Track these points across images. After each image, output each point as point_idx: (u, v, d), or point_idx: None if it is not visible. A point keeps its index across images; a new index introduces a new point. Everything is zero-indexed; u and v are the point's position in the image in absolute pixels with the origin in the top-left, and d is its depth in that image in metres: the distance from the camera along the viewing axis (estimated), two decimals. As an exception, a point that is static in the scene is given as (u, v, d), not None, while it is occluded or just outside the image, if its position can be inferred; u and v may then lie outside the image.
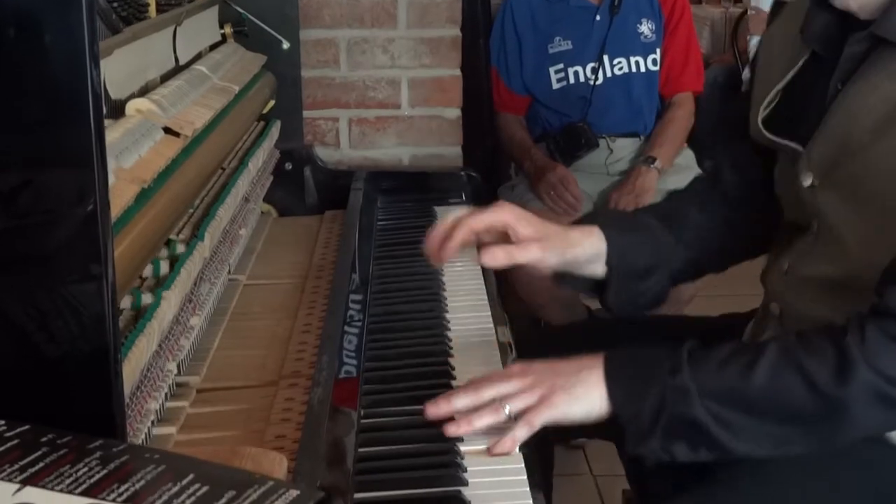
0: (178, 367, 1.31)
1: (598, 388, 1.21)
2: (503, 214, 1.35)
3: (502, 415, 1.21)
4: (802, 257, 1.35)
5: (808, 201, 1.31)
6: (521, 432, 1.19)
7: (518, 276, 2.58)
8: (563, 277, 1.44)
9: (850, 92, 1.26)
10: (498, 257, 1.33)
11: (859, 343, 1.14)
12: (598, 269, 1.40)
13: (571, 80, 2.91)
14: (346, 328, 1.44)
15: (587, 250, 1.39)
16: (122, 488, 0.66)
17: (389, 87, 2.36)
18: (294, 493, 0.65)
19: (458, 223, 1.34)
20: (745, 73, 3.47)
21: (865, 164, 1.23)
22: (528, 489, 1.13)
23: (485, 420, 1.20)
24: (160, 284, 1.26)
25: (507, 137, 2.97)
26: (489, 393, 1.23)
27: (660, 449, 1.19)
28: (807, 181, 1.30)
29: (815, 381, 1.14)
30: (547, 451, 1.77)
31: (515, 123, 2.97)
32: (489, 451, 1.19)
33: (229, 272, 1.66)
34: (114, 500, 0.65)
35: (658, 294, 1.47)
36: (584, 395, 1.21)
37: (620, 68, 2.92)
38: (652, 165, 2.79)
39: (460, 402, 1.23)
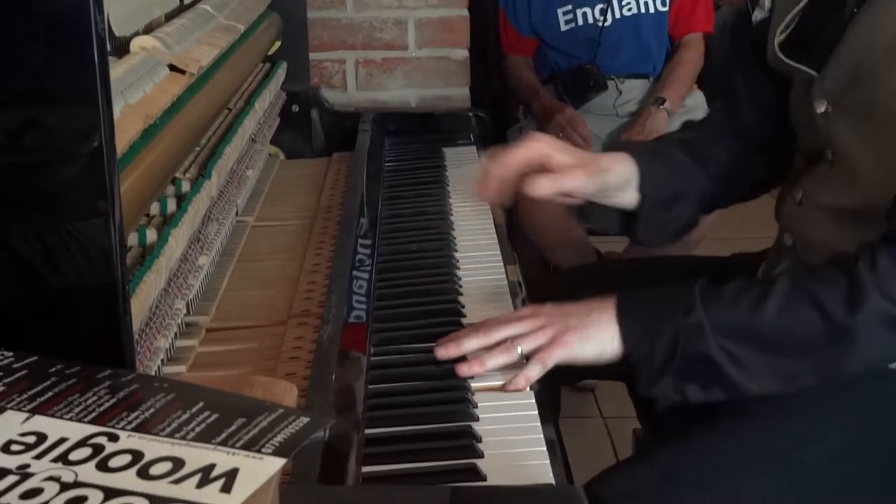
0: (188, 306, 1.31)
1: (610, 328, 1.20)
2: (539, 145, 1.34)
3: (514, 354, 1.20)
4: (816, 186, 1.34)
5: (822, 128, 1.30)
6: (534, 370, 1.19)
7: (528, 218, 2.58)
8: (587, 215, 1.43)
9: (865, 15, 1.25)
10: (543, 186, 1.31)
11: (870, 270, 1.13)
12: (628, 196, 1.40)
13: (580, 22, 2.89)
14: (355, 270, 1.43)
15: (620, 175, 1.38)
16: (132, 416, 0.66)
17: (396, 28, 2.34)
18: (304, 419, 0.64)
19: (495, 160, 1.34)
20: (756, 15, 3.41)
21: (879, 89, 1.22)
22: (538, 424, 1.13)
23: (497, 360, 1.20)
24: (168, 222, 1.25)
25: (515, 79, 2.95)
26: (499, 334, 1.22)
27: (672, 389, 1.19)
28: (820, 108, 1.29)
29: (826, 309, 1.14)
30: (554, 392, 1.77)
31: (523, 65, 2.95)
32: (502, 389, 1.18)
33: (237, 214, 1.66)
34: (123, 428, 0.65)
35: (687, 221, 1.46)
36: (595, 336, 1.20)
37: (630, 9, 2.89)
38: (662, 106, 2.77)
39: (470, 343, 1.22)
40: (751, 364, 1.17)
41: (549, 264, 2.84)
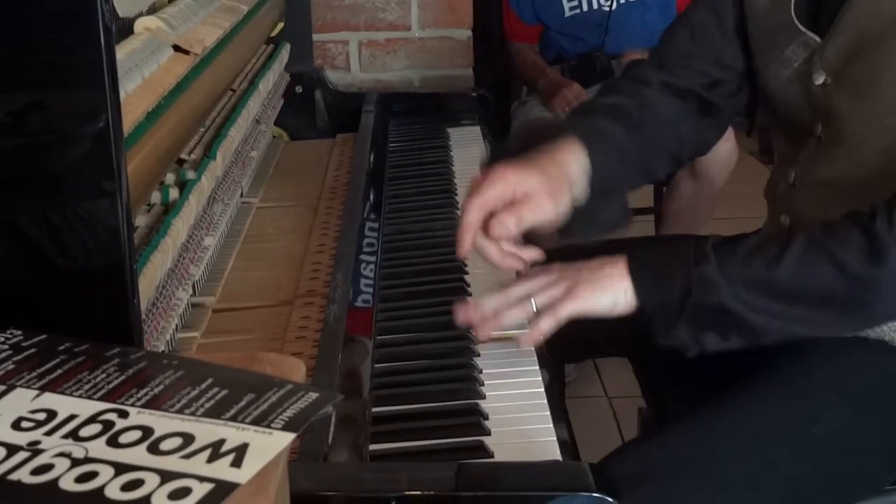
0: (194, 287, 1.32)
1: (622, 280, 1.20)
2: (501, 181, 1.25)
3: (529, 309, 1.20)
4: (809, 166, 1.34)
5: (819, 100, 1.29)
6: (547, 323, 1.18)
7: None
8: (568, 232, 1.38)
9: None
10: (508, 225, 1.23)
11: (888, 228, 1.13)
12: (578, 192, 1.31)
13: (584, 8, 2.88)
14: (361, 250, 1.43)
15: (577, 171, 1.31)
16: (141, 393, 0.66)
17: (399, 9, 2.34)
18: (313, 395, 0.65)
19: (466, 211, 1.25)
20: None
21: (882, 59, 1.21)
22: (545, 401, 1.13)
23: (512, 316, 1.20)
24: (172, 205, 1.26)
25: (521, 63, 2.95)
26: (515, 292, 1.22)
27: (689, 338, 1.18)
28: (819, 79, 1.28)
29: (846, 266, 1.13)
30: (558, 369, 1.77)
31: (528, 50, 2.95)
32: (517, 340, 1.19)
33: (242, 195, 1.66)
34: (133, 405, 0.65)
35: (618, 218, 1.43)
36: (609, 287, 1.20)
37: None
38: None
39: (488, 304, 1.22)
40: (770, 310, 1.16)
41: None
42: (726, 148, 2.67)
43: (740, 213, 2.75)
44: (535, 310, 1.20)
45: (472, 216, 1.24)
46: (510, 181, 1.25)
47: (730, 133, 2.68)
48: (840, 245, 1.15)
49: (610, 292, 1.20)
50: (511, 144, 1.50)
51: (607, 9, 2.86)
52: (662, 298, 1.18)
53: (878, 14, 1.23)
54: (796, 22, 1.32)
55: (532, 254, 1.28)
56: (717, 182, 2.73)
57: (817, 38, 1.29)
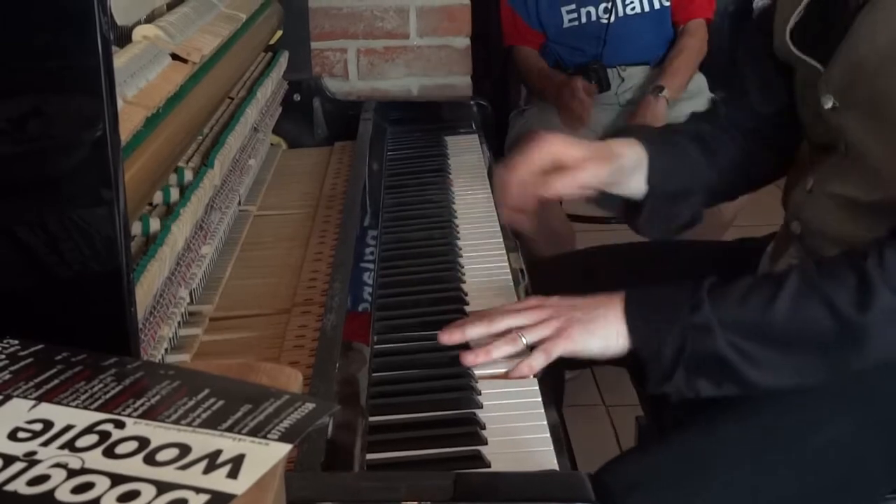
0: (191, 295, 1.32)
1: (616, 324, 1.20)
2: (550, 144, 1.35)
3: (520, 344, 1.20)
4: (829, 176, 1.34)
5: (830, 123, 1.30)
6: (538, 360, 1.19)
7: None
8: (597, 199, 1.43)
9: (870, 9, 1.24)
10: (563, 184, 1.33)
11: (878, 267, 1.13)
12: (636, 183, 1.40)
13: (583, 20, 2.89)
14: (358, 257, 1.43)
15: (632, 159, 1.38)
16: (138, 403, 0.66)
17: (397, 17, 2.34)
18: (310, 405, 0.65)
19: (510, 167, 1.34)
20: (758, 1, 3.42)
21: (886, 83, 1.22)
22: (542, 411, 1.13)
23: (502, 350, 1.20)
24: (171, 211, 1.25)
25: (526, 69, 2.94)
26: (504, 324, 1.22)
27: (684, 386, 1.18)
28: (827, 103, 1.29)
29: (837, 307, 1.14)
30: (557, 379, 1.77)
31: (533, 55, 2.94)
32: (506, 376, 1.19)
33: (240, 203, 1.66)
34: (129, 415, 0.65)
35: (690, 218, 1.46)
36: (601, 331, 1.20)
37: (633, 8, 2.89)
38: (660, 94, 2.76)
39: (474, 331, 1.22)
40: (761, 359, 1.17)
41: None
42: None
43: (744, 221, 2.75)
44: (525, 344, 1.20)
45: (519, 172, 1.33)
46: (556, 145, 1.33)
47: None
48: (832, 285, 1.15)
49: (602, 335, 1.20)
50: None
51: (606, 21, 2.87)
52: (657, 348, 1.18)
53: (877, 42, 1.23)
54: (791, 48, 1.33)
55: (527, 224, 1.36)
56: (727, 215, 2.73)
57: (817, 65, 1.30)
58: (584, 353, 1.21)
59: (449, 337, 1.22)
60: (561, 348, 1.19)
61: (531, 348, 1.20)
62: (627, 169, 1.38)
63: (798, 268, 1.21)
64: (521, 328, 1.21)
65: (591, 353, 1.21)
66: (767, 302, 1.16)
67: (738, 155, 1.48)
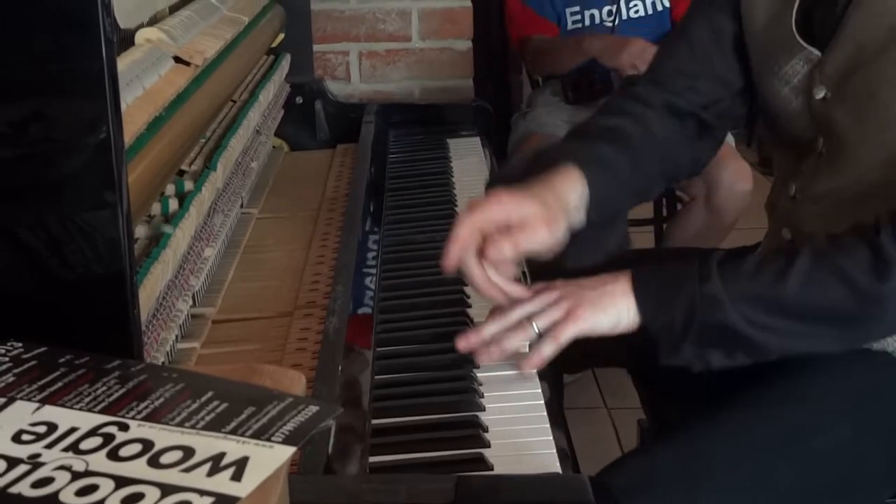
0: (193, 298, 1.32)
1: (625, 299, 1.20)
2: (497, 205, 1.24)
3: (531, 332, 1.20)
4: (809, 180, 1.34)
5: (820, 114, 1.29)
6: (548, 348, 1.18)
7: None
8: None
9: None
10: (503, 249, 1.22)
11: (893, 240, 1.13)
12: (576, 219, 1.30)
13: (587, 22, 2.89)
14: (361, 260, 1.43)
15: (574, 201, 1.30)
16: (142, 406, 0.66)
17: (399, 20, 2.34)
18: (314, 408, 0.65)
19: (457, 231, 1.24)
20: None
21: (880, 72, 1.21)
22: (545, 413, 1.13)
23: (514, 341, 1.20)
24: (173, 215, 1.26)
25: (545, 53, 2.89)
26: (516, 315, 1.22)
27: (694, 357, 1.18)
28: (819, 93, 1.28)
29: (852, 279, 1.13)
30: (557, 381, 1.77)
31: (551, 40, 2.90)
32: (518, 368, 1.19)
33: (242, 206, 1.66)
34: (133, 418, 0.65)
35: (618, 243, 1.44)
36: (611, 307, 1.20)
37: (636, 11, 2.89)
38: None
39: (489, 329, 1.22)
40: (775, 327, 1.16)
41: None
42: (744, 189, 2.70)
43: (739, 225, 2.76)
44: (536, 332, 1.20)
45: (463, 230, 1.23)
46: (507, 206, 1.24)
47: (748, 174, 2.71)
48: (845, 258, 1.15)
49: (612, 311, 1.19)
50: (511, 171, 1.50)
51: (610, 24, 2.87)
52: (667, 319, 1.17)
53: (873, 30, 1.23)
54: (797, 36, 1.32)
55: (517, 290, 1.25)
56: (729, 219, 2.74)
57: (817, 53, 1.29)
58: (595, 332, 1.20)
59: (466, 342, 1.21)
60: (571, 331, 1.19)
61: (543, 335, 1.19)
62: (573, 212, 1.30)
63: (808, 243, 1.20)
64: (532, 315, 1.21)
65: (601, 331, 1.20)
66: (778, 275, 1.16)
67: (664, 147, 1.43)
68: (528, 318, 1.20)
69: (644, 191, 1.47)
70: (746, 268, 1.18)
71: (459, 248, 1.22)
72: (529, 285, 1.30)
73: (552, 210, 1.26)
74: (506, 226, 1.23)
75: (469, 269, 1.24)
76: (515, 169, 1.43)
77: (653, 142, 1.42)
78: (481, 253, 1.23)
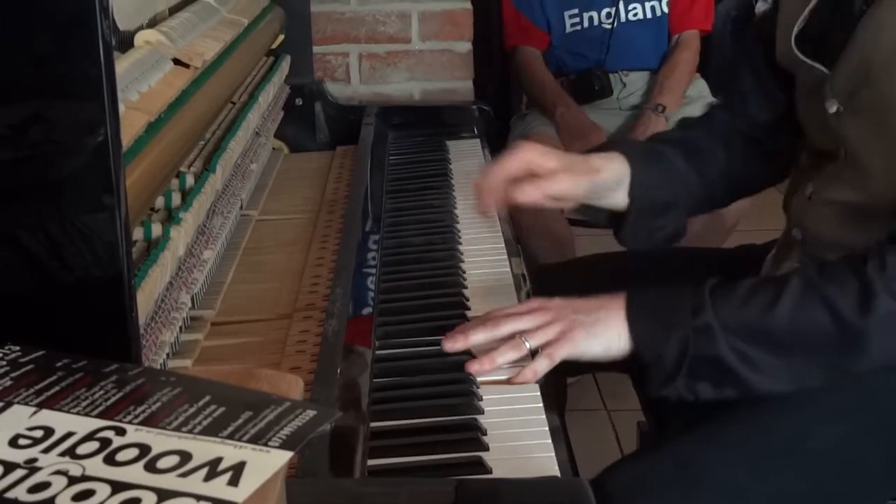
0: (193, 300, 1.31)
1: (617, 327, 1.20)
2: (525, 153, 1.34)
3: (524, 349, 1.20)
4: (827, 182, 1.34)
5: (833, 128, 1.30)
6: (542, 365, 1.19)
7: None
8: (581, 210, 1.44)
9: (873, 12, 1.24)
10: (528, 192, 1.31)
11: (880, 271, 1.13)
12: (619, 197, 1.39)
13: (585, 24, 2.89)
14: (360, 262, 1.43)
15: (611, 175, 1.37)
16: (139, 410, 0.66)
17: (399, 21, 2.34)
18: (311, 412, 0.65)
19: (486, 174, 1.35)
20: (759, 7, 3.42)
21: (891, 85, 1.21)
22: (543, 416, 1.13)
23: (506, 356, 1.20)
24: (172, 216, 1.25)
25: (528, 75, 2.92)
26: (507, 328, 1.22)
27: (684, 389, 1.19)
28: (832, 108, 1.29)
29: (838, 311, 1.14)
30: (560, 385, 1.77)
31: (537, 61, 2.92)
32: (510, 381, 1.18)
33: (241, 207, 1.66)
34: (130, 422, 0.65)
35: (675, 231, 1.45)
36: (603, 334, 1.20)
37: (635, 14, 2.89)
38: (661, 114, 2.77)
39: (477, 336, 1.22)
40: (762, 363, 1.17)
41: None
42: None
43: (740, 226, 2.76)
44: (528, 349, 1.20)
45: (492, 178, 1.33)
46: (532, 155, 1.33)
47: None
48: (833, 289, 1.15)
49: (604, 338, 1.20)
50: None
51: (608, 26, 2.87)
52: (659, 352, 1.18)
53: (880, 46, 1.23)
54: (797, 53, 1.33)
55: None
56: (730, 221, 2.74)
57: (823, 69, 1.30)
58: (586, 356, 1.21)
59: (452, 344, 1.22)
60: (564, 352, 1.19)
61: (534, 353, 1.20)
62: (605, 185, 1.37)
63: (800, 271, 1.21)
64: (524, 332, 1.21)
65: (593, 356, 1.21)
66: (769, 305, 1.16)
67: (731, 162, 1.47)
68: (520, 335, 1.21)
69: (711, 196, 1.50)
70: (738, 297, 1.19)
71: (489, 193, 1.33)
72: (525, 300, 1.32)
73: (576, 168, 1.35)
74: (530, 174, 1.33)
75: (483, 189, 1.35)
76: None
77: (716, 150, 1.47)
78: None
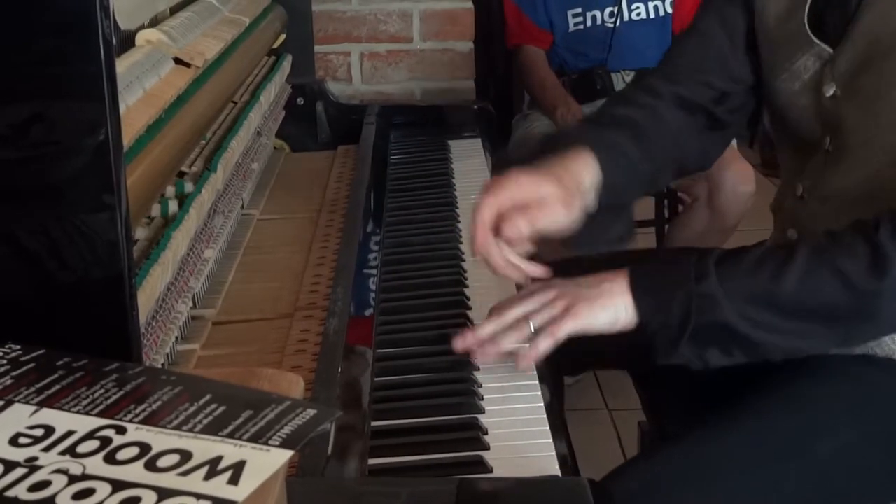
0: (194, 300, 1.31)
1: (622, 297, 1.19)
2: (514, 184, 1.26)
3: (527, 330, 1.20)
4: (817, 179, 1.33)
5: (828, 112, 1.29)
6: (544, 343, 1.18)
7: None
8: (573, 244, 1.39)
9: None
10: (520, 226, 1.23)
11: (891, 237, 1.12)
12: (589, 199, 1.31)
13: (588, 23, 2.89)
14: (361, 261, 1.43)
15: (588, 183, 1.31)
16: (139, 409, 0.66)
17: (401, 21, 2.34)
18: (311, 412, 0.65)
19: (478, 212, 1.26)
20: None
21: (890, 72, 1.21)
22: (544, 416, 1.13)
23: (510, 339, 1.20)
24: (173, 217, 1.25)
25: (529, 74, 2.92)
26: (513, 314, 1.22)
27: (692, 355, 1.18)
28: (829, 91, 1.28)
29: (849, 277, 1.13)
30: (557, 383, 1.76)
31: (539, 60, 2.92)
32: (516, 366, 1.18)
33: (242, 207, 1.66)
34: (131, 421, 0.65)
35: (622, 233, 1.44)
36: (608, 305, 1.19)
37: (638, 13, 2.89)
38: None
39: (486, 329, 1.22)
40: (773, 325, 1.16)
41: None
42: (746, 190, 2.70)
43: (742, 226, 2.76)
44: (532, 330, 1.20)
45: (485, 214, 1.24)
46: (524, 185, 1.25)
47: (750, 176, 2.71)
48: (844, 256, 1.14)
49: (610, 309, 1.19)
50: (520, 153, 1.51)
51: (611, 25, 2.87)
52: (664, 318, 1.17)
53: (885, 27, 1.22)
54: (809, 33, 1.31)
55: (535, 269, 1.26)
56: (731, 221, 2.74)
57: (829, 50, 1.28)
58: (591, 329, 1.19)
59: (462, 342, 1.21)
60: (568, 327, 1.18)
61: (539, 333, 1.19)
62: (587, 194, 1.31)
63: (808, 240, 1.20)
64: (529, 314, 1.21)
65: (599, 328, 1.19)
66: (777, 272, 1.15)
67: (674, 138, 1.43)
68: (525, 317, 1.20)
69: (653, 181, 1.47)
70: (745, 265, 1.18)
71: (484, 232, 1.24)
72: (527, 284, 1.30)
73: (569, 190, 1.27)
74: (523, 204, 1.25)
75: (488, 249, 1.25)
76: (523, 153, 1.43)
77: (663, 132, 1.42)
78: (497, 231, 1.24)
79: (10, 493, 0.58)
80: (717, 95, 1.43)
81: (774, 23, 1.36)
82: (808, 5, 1.32)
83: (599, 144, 1.34)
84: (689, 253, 1.23)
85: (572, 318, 1.18)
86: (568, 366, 1.64)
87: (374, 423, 1.10)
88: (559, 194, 1.26)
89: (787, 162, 1.44)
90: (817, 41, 1.30)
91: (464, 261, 1.51)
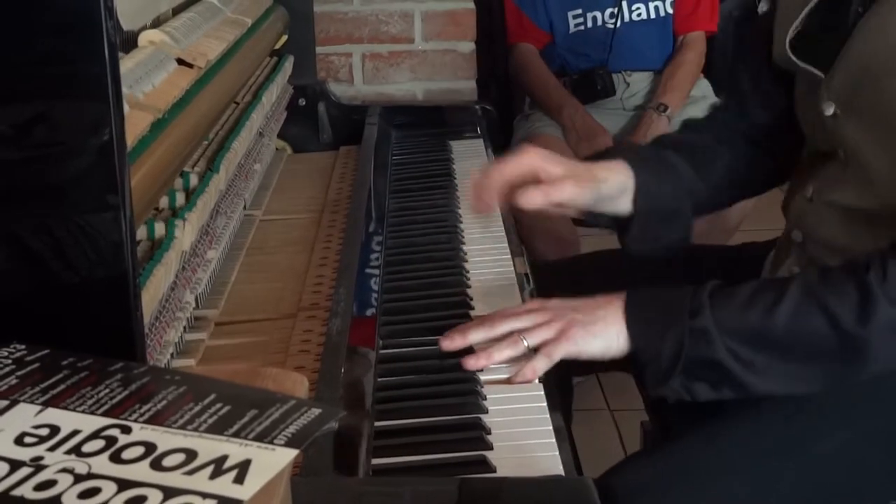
0: (197, 300, 1.32)
1: (616, 326, 1.20)
2: (530, 158, 1.33)
3: (521, 347, 1.20)
4: (828, 184, 1.33)
5: (831, 130, 1.29)
6: (541, 363, 1.19)
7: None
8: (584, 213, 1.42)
9: (871, 15, 1.24)
10: (533, 197, 1.29)
11: (881, 280, 1.13)
12: (623, 205, 1.37)
13: (589, 24, 2.89)
14: (364, 261, 1.43)
15: (615, 185, 1.35)
16: (144, 408, 0.66)
17: (402, 21, 2.34)
18: (316, 411, 0.65)
19: (488, 174, 1.33)
20: (761, 7, 3.41)
21: (887, 91, 1.21)
22: (547, 416, 1.13)
23: (504, 353, 1.20)
24: (176, 216, 1.26)
25: (523, 70, 2.92)
26: (505, 327, 1.22)
27: (681, 388, 1.19)
28: (828, 110, 1.28)
29: (837, 319, 1.13)
30: (566, 382, 1.77)
31: (533, 55, 2.92)
32: (510, 381, 1.19)
33: (245, 207, 1.66)
34: (136, 420, 0.65)
35: (679, 238, 1.45)
36: (602, 333, 1.20)
37: (639, 14, 2.89)
38: (664, 113, 2.77)
39: (475, 335, 1.23)
40: (759, 366, 1.17)
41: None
42: None
43: (743, 226, 2.76)
44: (527, 347, 1.20)
45: (493, 178, 1.31)
46: (535, 160, 1.31)
47: None
48: (833, 296, 1.15)
49: (603, 337, 1.20)
50: None
51: (611, 26, 2.87)
52: (656, 351, 1.18)
53: (878, 49, 1.22)
54: (791, 55, 1.33)
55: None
56: (733, 221, 2.73)
57: (817, 72, 1.29)
58: (584, 355, 1.21)
59: (450, 343, 1.22)
60: (563, 350, 1.19)
61: (534, 351, 1.20)
62: (611, 193, 1.35)
63: (800, 276, 1.20)
64: (522, 331, 1.21)
65: (591, 355, 1.21)
66: (768, 310, 1.16)
67: (734, 163, 1.46)
68: (519, 333, 1.21)
69: (712, 199, 1.50)
70: (737, 301, 1.18)
71: (489, 193, 1.31)
72: (530, 298, 1.32)
73: (580, 175, 1.33)
74: (534, 179, 1.30)
75: (488, 185, 1.32)
76: None
77: (719, 153, 1.47)
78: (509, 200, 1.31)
79: (16, 493, 0.59)
80: (771, 126, 1.48)
81: (778, 50, 1.39)
82: (791, 32, 1.33)
83: (636, 158, 1.40)
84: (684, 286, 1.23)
85: (567, 342, 1.20)
86: (570, 367, 1.64)
87: (377, 423, 1.10)
88: (569, 174, 1.32)
89: (805, 160, 1.44)
90: (801, 63, 1.31)
91: (466, 261, 1.51)
